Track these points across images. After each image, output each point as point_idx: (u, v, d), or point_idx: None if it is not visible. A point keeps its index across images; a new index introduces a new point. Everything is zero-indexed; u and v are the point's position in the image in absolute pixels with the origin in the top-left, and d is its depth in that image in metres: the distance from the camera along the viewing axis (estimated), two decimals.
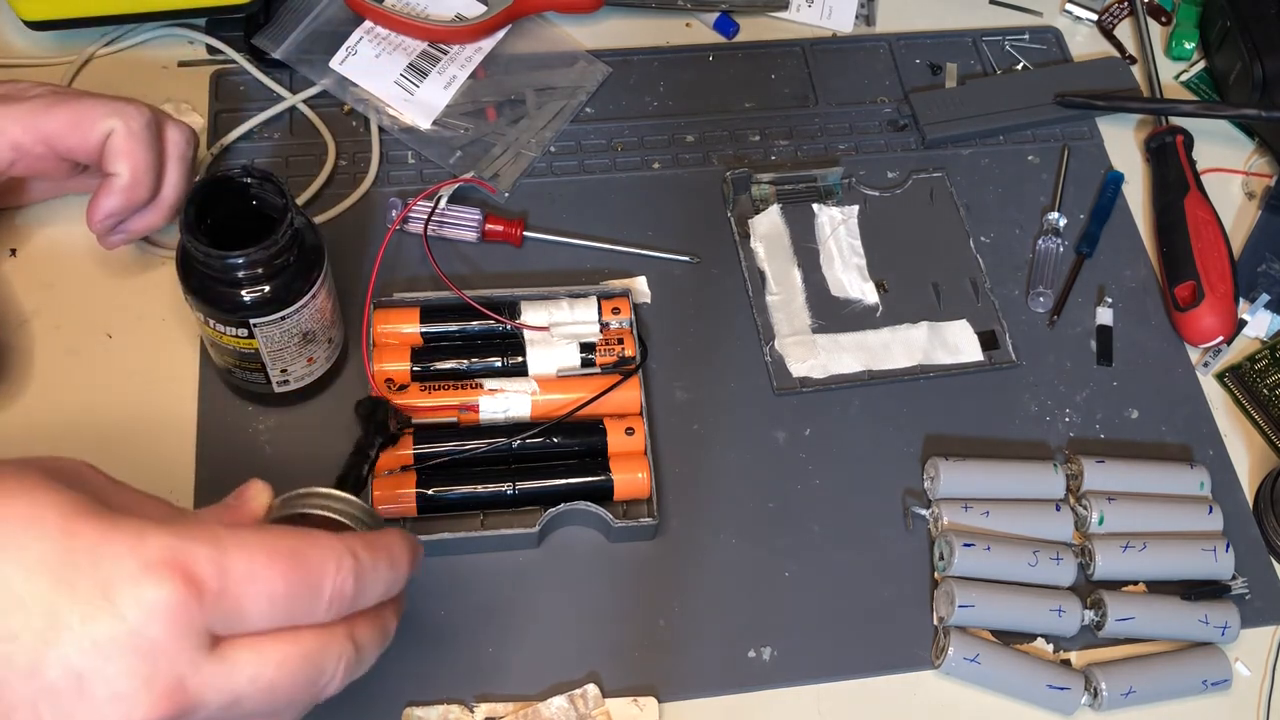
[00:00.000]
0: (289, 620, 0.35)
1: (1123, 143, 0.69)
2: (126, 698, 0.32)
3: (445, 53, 0.66)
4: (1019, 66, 0.71)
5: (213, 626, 0.33)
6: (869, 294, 0.62)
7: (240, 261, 0.47)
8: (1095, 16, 0.74)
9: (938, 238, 0.64)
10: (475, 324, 0.56)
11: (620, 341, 0.56)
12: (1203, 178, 0.66)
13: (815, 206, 0.64)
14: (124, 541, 0.33)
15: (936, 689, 0.52)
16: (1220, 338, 0.61)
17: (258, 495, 0.40)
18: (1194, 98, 0.72)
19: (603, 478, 0.53)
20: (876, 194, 0.65)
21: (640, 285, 0.61)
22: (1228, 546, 0.54)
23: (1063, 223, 0.65)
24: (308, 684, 0.36)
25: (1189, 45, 0.74)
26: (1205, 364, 0.62)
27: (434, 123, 0.64)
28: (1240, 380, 0.62)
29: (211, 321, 0.50)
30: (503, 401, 0.54)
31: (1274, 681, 0.53)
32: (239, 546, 0.34)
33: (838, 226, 0.64)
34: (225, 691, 0.34)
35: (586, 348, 0.56)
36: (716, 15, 0.71)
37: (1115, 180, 0.67)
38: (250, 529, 0.36)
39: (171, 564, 0.32)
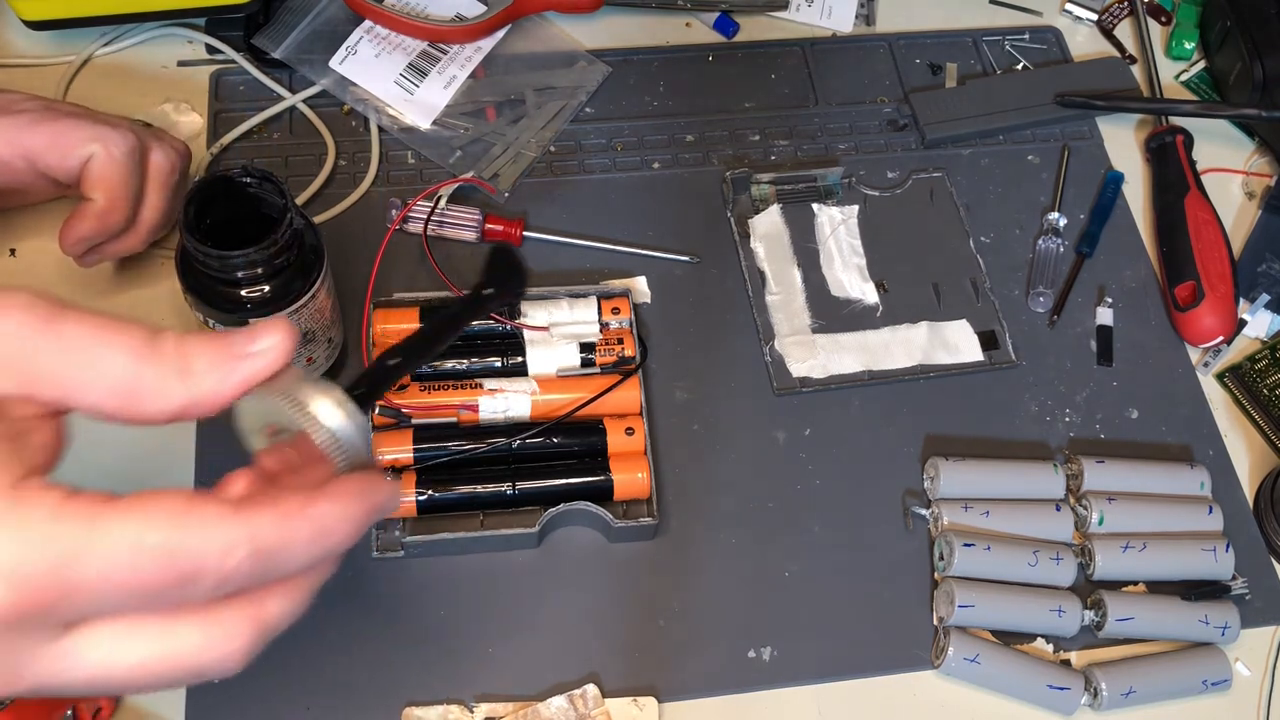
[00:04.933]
0: (161, 607, 0.32)
1: (1123, 143, 0.69)
2: None
3: (445, 52, 0.66)
4: (1019, 66, 0.71)
5: (58, 622, 0.31)
6: (869, 294, 0.62)
7: (240, 261, 0.47)
8: (1095, 16, 0.74)
9: (938, 238, 0.64)
10: (475, 324, 0.56)
11: (620, 341, 0.56)
12: (1203, 178, 0.66)
13: (815, 206, 0.64)
14: None
15: (936, 689, 0.52)
16: (1220, 338, 0.61)
17: (270, 355, 0.34)
18: (1194, 98, 0.72)
19: (603, 478, 0.53)
20: (876, 194, 0.65)
21: (640, 285, 0.61)
22: (1228, 546, 0.54)
23: (1063, 223, 0.65)
24: (186, 676, 0.33)
25: (1189, 45, 0.74)
26: (1205, 364, 0.62)
27: (434, 123, 0.64)
28: (1240, 380, 0.62)
29: (211, 321, 0.49)
30: (503, 401, 0.54)
31: (1274, 682, 0.53)
32: (96, 551, 0.30)
33: (838, 226, 0.64)
34: (70, 682, 0.31)
35: (586, 348, 0.56)
36: (716, 15, 0.71)
37: (1115, 180, 0.67)
38: (123, 518, 0.31)
39: (7, 573, 0.29)
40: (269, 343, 0.34)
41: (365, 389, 0.37)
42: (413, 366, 0.41)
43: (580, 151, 0.65)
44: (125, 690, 0.32)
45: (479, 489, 0.52)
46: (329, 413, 0.34)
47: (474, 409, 0.54)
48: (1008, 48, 0.72)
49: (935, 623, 0.53)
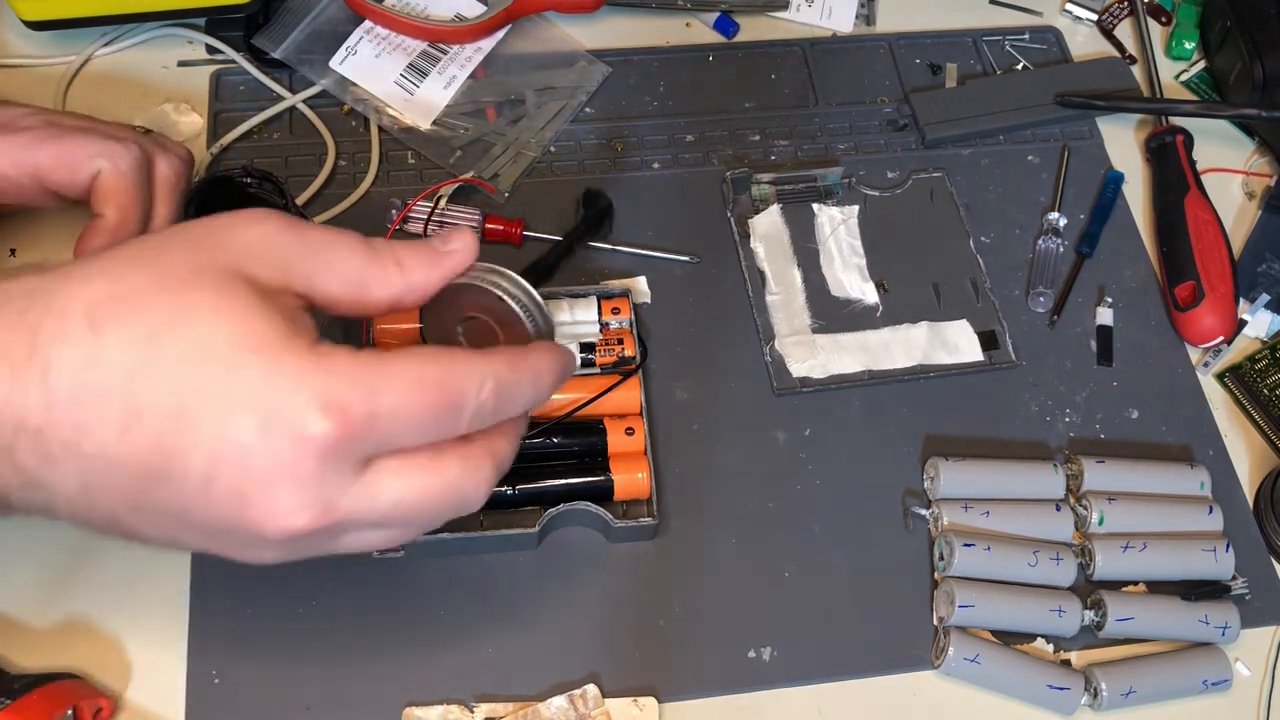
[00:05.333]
0: (432, 438, 0.39)
1: (1123, 143, 0.69)
2: (280, 517, 0.36)
3: (445, 53, 0.66)
4: (1019, 66, 0.71)
5: (362, 454, 0.37)
6: (869, 294, 0.62)
7: None
8: (1095, 16, 0.74)
9: (938, 238, 0.64)
10: None
11: (620, 341, 0.56)
12: (1203, 178, 0.66)
13: (815, 206, 0.64)
14: (286, 379, 0.36)
15: (936, 689, 0.52)
16: (1220, 338, 0.61)
17: (465, 252, 0.42)
18: (1194, 98, 0.72)
19: (603, 478, 0.53)
20: (876, 194, 0.65)
21: (640, 285, 0.61)
22: (1228, 547, 0.54)
23: (1063, 223, 0.65)
24: (450, 507, 0.40)
25: (1189, 45, 0.74)
26: (1205, 364, 0.62)
27: (434, 123, 0.64)
28: (1240, 380, 0.62)
29: None
30: None
31: (1274, 682, 0.53)
32: (389, 385, 0.37)
33: (838, 226, 0.64)
34: (372, 512, 0.38)
35: (586, 348, 0.56)
36: (716, 15, 0.71)
37: (1115, 180, 0.67)
38: (402, 359, 0.38)
39: (328, 407, 0.36)
40: (460, 243, 0.42)
41: (531, 281, 0.45)
42: (550, 277, 0.53)
43: (580, 151, 0.65)
44: (411, 521, 0.39)
45: None
46: (518, 286, 0.43)
47: None
48: (1008, 48, 0.72)
49: (935, 623, 0.53)
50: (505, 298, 0.43)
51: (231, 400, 0.35)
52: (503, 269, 0.43)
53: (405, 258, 0.41)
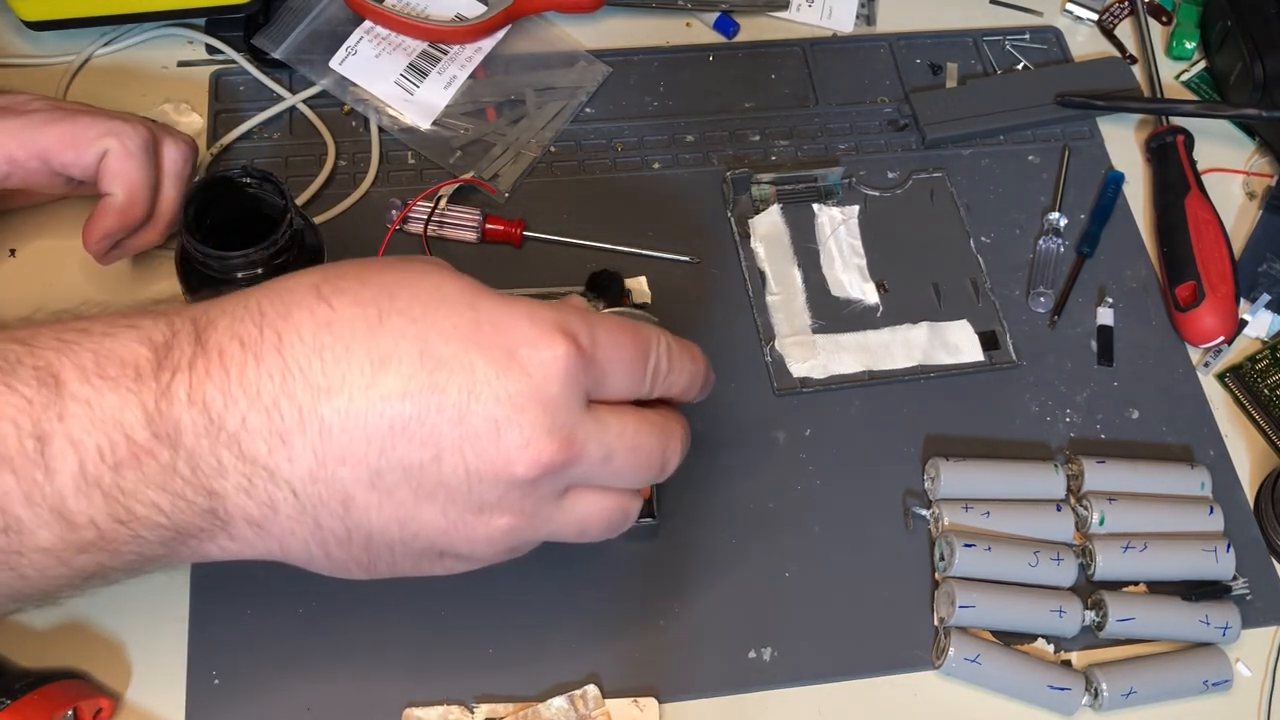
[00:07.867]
0: (631, 388, 0.41)
1: (1123, 143, 0.69)
2: (534, 443, 0.38)
3: (445, 53, 0.66)
4: (1019, 66, 0.71)
5: (588, 386, 0.39)
6: (869, 294, 0.62)
7: (240, 261, 0.47)
8: (1095, 16, 0.74)
9: (938, 238, 0.64)
10: None
11: None
12: (1203, 178, 0.66)
13: (815, 206, 0.64)
14: (521, 313, 0.38)
15: (937, 689, 0.52)
16: (1221, 338, 0.61)
17: (580, 302, 0.46)
18: (1194, 98, 0.72)
19: None
20: (877, 194, 0.65)
21: (640, 285, 0.61)
22: (1228, 547, 0.54)
23: (1063, 223, 0.65)
24: (660, 449, 0.42)
25: (1189, 45, 0.74)
26: (1206, 364, 0.62)
27: (434, 123, 0.64)
28: (1241, 380, 0.62)
29: None
30: None
31: (1275, 682, 0.53)
32: (600, 323, 0.40)
33: (838, 226, 0.64)
34: (602, 445, 0.40)
35: None
36: (716, 15, 0.71)
37: (1115, 180, 0.67)
38: (604, 312, 0.43)
39: (562, 329, 0.38)
40: (574, 301, 0.45)
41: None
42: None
43: (580, 151, 0.65)
44: (629, 466, 0.41)
45: None
46: (635, 312, 0.48)
47: None
48: (1008, 48, 0.72)
49: (936, 623, 0.53)
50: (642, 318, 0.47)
51: (477, 333, 0.37)
52: (614, 308, 0.48)
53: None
